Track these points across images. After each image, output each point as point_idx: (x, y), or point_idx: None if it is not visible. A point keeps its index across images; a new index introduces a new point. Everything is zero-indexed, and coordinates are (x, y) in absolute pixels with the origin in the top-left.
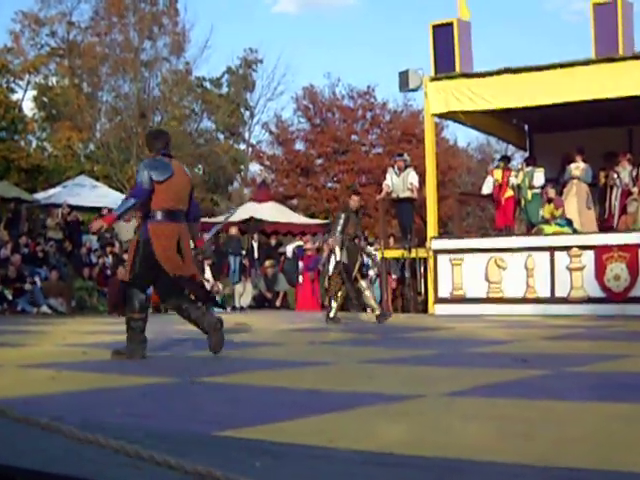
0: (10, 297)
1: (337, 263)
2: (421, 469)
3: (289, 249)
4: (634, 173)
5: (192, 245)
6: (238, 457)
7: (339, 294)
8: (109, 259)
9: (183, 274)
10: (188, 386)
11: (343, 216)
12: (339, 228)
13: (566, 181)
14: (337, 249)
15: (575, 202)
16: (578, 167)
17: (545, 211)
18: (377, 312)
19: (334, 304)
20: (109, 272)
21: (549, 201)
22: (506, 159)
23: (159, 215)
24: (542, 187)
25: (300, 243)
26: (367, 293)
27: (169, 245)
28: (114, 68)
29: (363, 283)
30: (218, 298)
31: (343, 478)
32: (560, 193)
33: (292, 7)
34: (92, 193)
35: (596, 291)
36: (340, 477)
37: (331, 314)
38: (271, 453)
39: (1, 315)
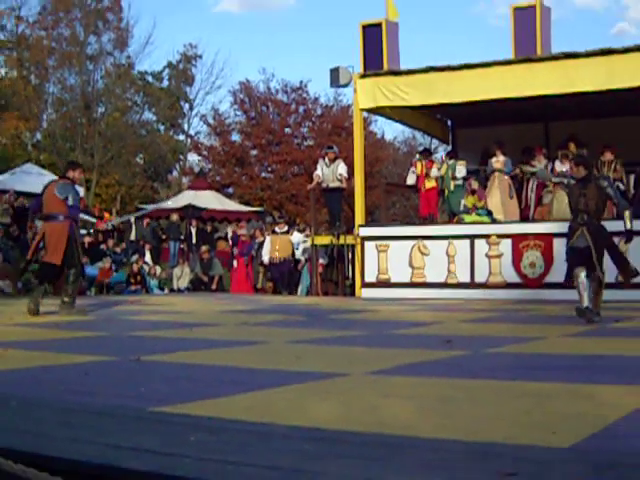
0: None
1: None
2: (347, 444)
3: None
4: (549, 167)
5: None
6: (174, 432)
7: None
8: None
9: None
10: (128, 364)
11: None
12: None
13: (489, 174)
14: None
15: (498, 193)
16: (498, 160)
17: (468, 201)
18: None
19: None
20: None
21: (472, 192)
22: (427, 152)
23: None
24: (464, 179)
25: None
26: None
27: (38, 238)
28: (60, 61)
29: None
30: (155, 281)
31: (274, 453)
32: (484, 185)
33: (234, 7)
34: (38, 180)
35: (513, 277)
36: (271, 452)
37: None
38: (206, 428)
39: None
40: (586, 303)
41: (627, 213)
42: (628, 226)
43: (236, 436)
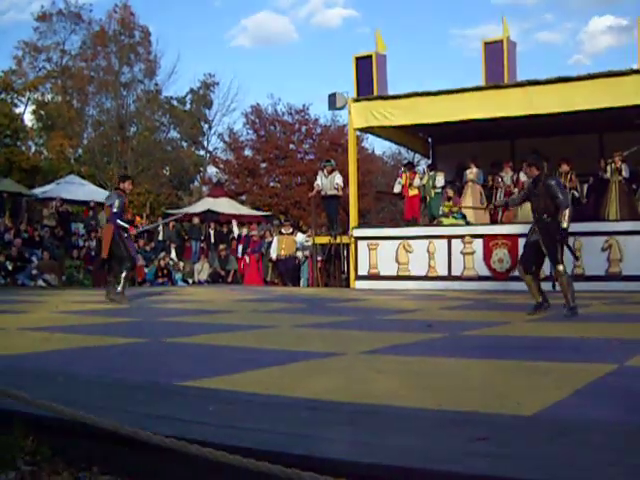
0: (10, 268)
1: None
2: (342, 412)
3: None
4: (515, 177)
5: (125, 235)
6: (195, 402)
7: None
8: (93, 242)
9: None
10: (158, 345)
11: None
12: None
13: (463, 184)
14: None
15: (471, 201)
16: (472, 172)
17: (445, 207)
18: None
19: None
20: (93, 253)
21: (449, 199)
22: (410, 165)
23: None
24: (442, 187)
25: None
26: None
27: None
28: (98, 88)
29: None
30: (179, 275)
31: (280, 420)
32: (460, 193)
33: (247, 42)
34: (80, 189)
35: (484, 271)
36: (277, 419)
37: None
38: (223, 399)
39: (4, 287)
40: (537, 299)
41: (565, 212)
42: (564, 225)
43: (248, 406)
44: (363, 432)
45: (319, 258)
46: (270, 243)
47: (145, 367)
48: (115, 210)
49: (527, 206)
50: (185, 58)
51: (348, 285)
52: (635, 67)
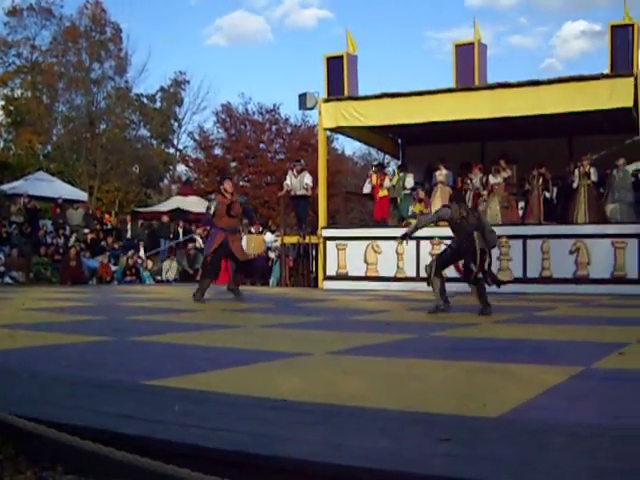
0: None
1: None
2: (308, 413)
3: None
4: (484, 179)
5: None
6: (161, 402)
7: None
8: (61, 240)
9: None
10: (123, 344)
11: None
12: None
13: (433, 185)
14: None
15: (440, 203)
16: (441, 174)
17: (416, 208)
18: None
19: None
20: (61, 250)
21: (420, 200)
22: (380, 166)
23: None
24: (412, 189)
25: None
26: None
27: None
28: (68, 84)
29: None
30: (147, 273)
31: (246, 420)
32: (429, 194)
33: (222, 41)
34: (48, 186)
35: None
36: (243, 419)
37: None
38: (189, 399)
39: None
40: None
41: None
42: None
43: (214, 406)
44: (329, 433)
45: (290, 257)
46: None
47: (111, 365)
48: (210, 212)
49: (495, 209)
50: (158, 56)
51: (316, 285)
52: (606, 72)
